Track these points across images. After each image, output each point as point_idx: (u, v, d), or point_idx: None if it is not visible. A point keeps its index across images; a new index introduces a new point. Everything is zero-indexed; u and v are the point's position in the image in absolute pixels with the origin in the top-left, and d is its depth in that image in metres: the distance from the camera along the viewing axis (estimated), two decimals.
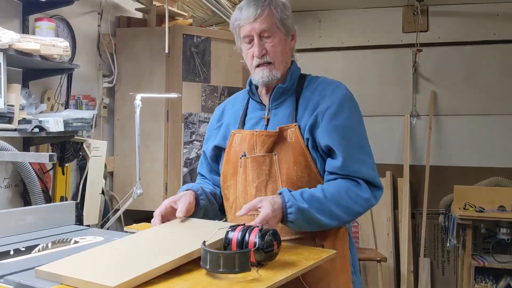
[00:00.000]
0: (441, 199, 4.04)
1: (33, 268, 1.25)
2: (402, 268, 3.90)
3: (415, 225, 4.16)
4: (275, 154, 1.53)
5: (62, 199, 2.59)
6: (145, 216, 2.95)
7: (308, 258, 1.37)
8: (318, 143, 1.51)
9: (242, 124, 1.65)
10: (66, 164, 2.48)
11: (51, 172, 2.56)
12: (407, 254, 3.91)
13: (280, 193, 1.43)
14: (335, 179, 1.50)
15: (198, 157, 3.18)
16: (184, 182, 3.11)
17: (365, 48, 4.39)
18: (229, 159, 1.62)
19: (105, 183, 2.90)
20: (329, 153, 1.52)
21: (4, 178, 2.28)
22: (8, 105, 1.90)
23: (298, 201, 1.41)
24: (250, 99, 1.68)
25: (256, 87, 1.65)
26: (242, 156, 1.57)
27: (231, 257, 1.15)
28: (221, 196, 1.71)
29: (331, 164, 1.50)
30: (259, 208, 1.39)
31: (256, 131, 1.56)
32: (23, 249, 1.40)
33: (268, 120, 1.60)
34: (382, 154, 4.11)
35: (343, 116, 1.51)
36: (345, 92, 1.56)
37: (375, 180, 1.51)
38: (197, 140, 3.16)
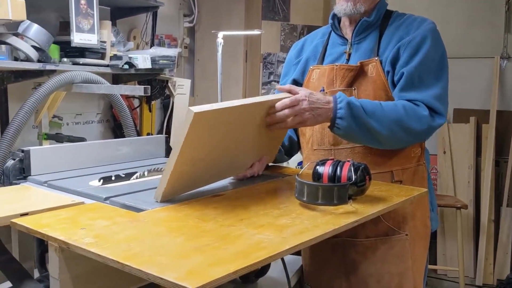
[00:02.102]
0: None
1: (134, 192, 1.33)
2: (483, 217, 3.76)
3: (498, 174, 3.96)
4: (354, 89, 1.51)
5: (148, 135, 2.71)
6: None
7: (399, 194, 1.35)
8: (396, 74, 1.47)
9: (322, 60, 1.63)
10: (152, 102, 2.57)
11: (137, 110, 2.67)
12: (489, 203, 3.76)
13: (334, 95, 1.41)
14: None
15: None
16: None
17: None
18: None
19: None
20: None
21: (97, 113, 2.42)
22: (100, 41, 1.97)
23: (351, 99, 1.38)
24: (331, 35, 1.65)
25: (339, 22, 1.61)
26: (321, 91, 1.55)
27: (330, 189, 1.16)
28: (289, 139, 1.71)
29: (395, 91, 1.47)
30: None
31: (337, 65, 1.54)
32: (123, 175, 1.49)
33: (349, 55, 1.57)
34: (466, 98, 3.90)
35: (425, 47, 1.46)
36: (431, 26, 1.51)
37: (437, 107, 1.43)
38: (275, 81, 3.15)
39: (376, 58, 1.50)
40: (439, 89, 1.46)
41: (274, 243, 0.94)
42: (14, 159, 1.50)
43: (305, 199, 1.18)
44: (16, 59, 1.67)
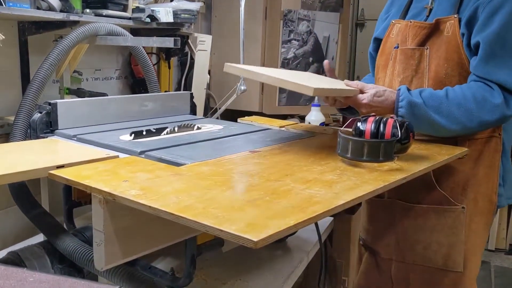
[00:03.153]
0: None
1: (168, 147, 1.29)
2: None
3: None
4: (427, 49, 1.42)
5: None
6: (241, 116, 2.98)
7: (440, 153, 1.31)
8: (472, 41, 1.34)
9: (405, 14, 1.54)
10: (172, 58, 2.50)
11: (155, 67, 2.60)
12: None
13: (398, 89, 1.35)
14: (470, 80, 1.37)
15: (295, 57, 3.10)
16: None
17: None
18: (384, 50, 1.55)
19: (209, 78, 2.91)
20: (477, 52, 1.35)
21: (115, 70, 2.35)
22: None
23: (413, 96, 1.32)
24: None
25: None
26: (395, 47, 1.49)
27: (376, 145, 1.12)
28: None
29: (473, 60, 1.36)
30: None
31: (410, 22, 1.46)
32: (154, 130, 1.45)
33: (430, 10, 1.47)
34: None
35: (506, 10, 1.29)
36: None
37: None
38: (295, 39, 3.06)
39: (456, 16, 1.37)
40: None
41: (327, 198, 0.90)
42: (40, 112, 1.46)
43: (349, 155, 1.15)
44: (38, 8, 1.60)
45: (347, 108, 1.55)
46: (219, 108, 2.75)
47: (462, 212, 1.43)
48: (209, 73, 3.23)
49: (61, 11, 1.67)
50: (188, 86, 2.72)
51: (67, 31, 1.72)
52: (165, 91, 2.65)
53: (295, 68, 3.11)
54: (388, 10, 1.65)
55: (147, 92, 2.04)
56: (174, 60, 2.78)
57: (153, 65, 2.54)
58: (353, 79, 1.55)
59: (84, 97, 1.95)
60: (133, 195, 0.88)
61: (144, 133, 1.42)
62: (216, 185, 0.96)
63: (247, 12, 2.97)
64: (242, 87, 2.42)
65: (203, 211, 0.81)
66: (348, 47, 4.32)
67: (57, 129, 1.47)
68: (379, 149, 1.12)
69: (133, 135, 1.38)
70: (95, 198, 0.94)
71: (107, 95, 1.98)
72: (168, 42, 1.59)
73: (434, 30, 1.40)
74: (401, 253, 1.50)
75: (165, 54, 2.46)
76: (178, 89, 2.80)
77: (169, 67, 2.54)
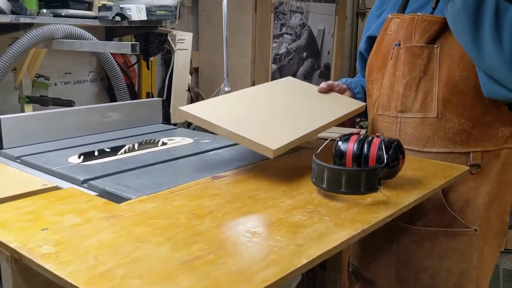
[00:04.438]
0: None
1: (119, 172, 1.12)
2: None
3: None
4: (437, 47, 1.21)
5: (148, 95, 2.48)
6: None
7: (436, 175, 1.12)
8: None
9: (404, 8, 1.33)
10: (151, 58, 2.31)
11: (136, 67, 2.42)
12: None
13: None
14: None
15: (288, 52, 2.90)
16: (273, 79, 2.87)
17: None
18: (380, 48, 1.34)
19: (191, 79, 2.73)
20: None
21: (89, 72, 2.18)
22: None
23: None
24: None
25: None
26: (396, 45, 1.28)
27: (356, 175, 0.92)
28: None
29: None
30: None
31: (418, 15, 1.24)
32: (108, 150, 1.28)
33: (437, 2, 1.25)
34: None
35: None
36: None
37: None
38: (287, 33, 2.86)
39: None
40: None
41: (286, 254, 0.72)
42: None
43: (324, 186, 0.96)
44: None
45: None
46: None
47: (474, 235, 1.25)
48: (196, 70, 3.05)
49: (12, 12, 1.49)
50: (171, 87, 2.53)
51: (21, 34, 1.54)
52: (147, 93, 2.48)
53: (288, 64, 2.91)
54: (382, 5, 1.44)
55: None
56: (157, 59, 2.60)
57: (131, 65, 2.37)
58: (354, 74, 1.37)
59: (47, 105, 1.78)
60: (43, 254, 0.71)
61: (96, 154, 1.24)
62: (153, 235, 0.78)
63: (236, 5, 2.77)
64: (226, 89, 2.24)
65: (121, 283, 0.63)
66: (348, 39, 4.10)
67: (2, 148, 1.30)
68: (360, 179, 0.93)
69: (82, 157, 1.20)
70: (2, 255, 0.76)
71: (74, 103, 1.81)
72: (125, 48, 1.41)
73: (446, 25, 1.19)
74: (403, 284, 1.31)
75: (143, 54, 2.27)
76: (162, 89, 2.62)
77: (148, 68, 2.35)
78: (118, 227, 0.81)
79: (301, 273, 0.70)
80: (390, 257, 1.33)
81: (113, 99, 2.19)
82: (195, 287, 0.63)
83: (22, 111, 1.74)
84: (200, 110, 1.16)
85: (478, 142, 1.23)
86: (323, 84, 1.43)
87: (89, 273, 0.65)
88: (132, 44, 1.36)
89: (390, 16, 1.34)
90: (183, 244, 0.75)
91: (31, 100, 1.74)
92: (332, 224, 0.83)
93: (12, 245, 0.74)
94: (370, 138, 1.04)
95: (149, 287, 0.62)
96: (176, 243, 0.76)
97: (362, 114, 1.47)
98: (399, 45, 1.28)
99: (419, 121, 1.25)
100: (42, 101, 1.76)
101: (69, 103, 1.79)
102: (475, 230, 1.25)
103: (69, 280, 0.64)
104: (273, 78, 2.87)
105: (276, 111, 1.26)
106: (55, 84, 1.98)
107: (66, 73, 2.03)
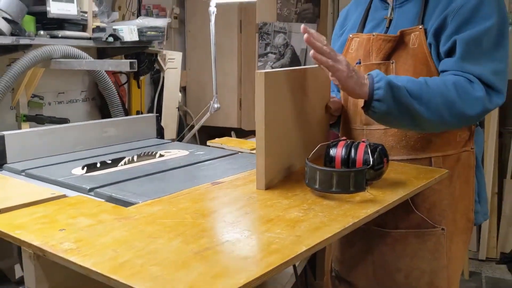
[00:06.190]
0: None
1: (122, 181, 1.18)
2: (486, 190, 3.67)
3: (502, 145, 3.85)
4: (392, 63, 1.31)
5: (138, 113, 2.54)
6: (219, 133, 2.88)
7: (418, 177, 1.21)
8: (444, 44, 1.25)
9: (362, 27, 1.43)
10: (141, 77, 2.39)
11: (125, 86, 2.49)
12: (492, 175, 3.66)
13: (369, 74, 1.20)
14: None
15: None
16: None
17: None
18: None
19: (181, 96, 2.81)
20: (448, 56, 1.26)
21: (81, 91, 2.24)
22: (81, 11, 1.78)
23: (390, 78, 1.17)
24: None
25: None
26: (357, 63, 1.37)
27: (345, 175, 1.01)
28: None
29: (445, 62, 1.25)
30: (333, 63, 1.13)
31: (373, 35, 1.34)
32: (109, 161, 1.34)
33: (390, 21, 1.36)
34: None
35: (480, 17, 1.21)
36: None
37: (497, 84, 1.21)
38: (272, 53, 2.97)
39: (420, 27, 1.27)
40: (498, 62, 1.22)
41: (287, 243, 0.80)
42: None
43: (317, 186, 1.04)
44: None
45: (335, 123, 1.47)
46: (195, 125, 2.65)
47: (442, 234, 1.33)
48: (184, 89, 3.13)
49: (11, 34, 1.56)
50: (161, 105, 2.61)
51: (21, 54, 1.61)
52: (137, 111, 2.54)
53: None
54: (343, 25, 1.54)
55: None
56: (146, 78, 2.68)
57: (122, 84, 2.44)
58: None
59: (43, 124, 1.84)
60: (65, 249, 0.77)
61: (98, 165, 1.30)
62: (163, 232, 0.85)
63: (222, 26, 2.88)
64: (216, 105, 2.32)
65: (141, 270, 0.70)
66: None
67: (6, 163, 1.36)
68: (349, 179, 1.02)
69: (85, 168, 1.27)
70: (25, 253, 0.82)
71: (69, 120, 1.87)
72: (124, 66, 1.49)
73: (399, 42, 1.30)
74: (380, 284, 1.39)
75: (134, 73, 2.35)
76: (151, 107, 2.69)
77: (139, 87, 2.43)
78: (130, 226, 0.88)
79: (301, 259, 0.78)
80: (367, 260, 1.40)
81: (104, 117, 2.26)
82: (208, 272, 0.70)
83: (19, 129, 1.79)
84: None
85: (438, 147, 1.32)
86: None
87: (110, 263, 0.72)
88: (130, 62, 1.43)
89: (350, 36, 1.43)
90: (192, 239, 0.82)
91: (28, 118, 1.79)
92: (326, 219, 0.91)
93: (35, 243, 0.80)
94: (356, 143, 1.13)
95: (167, 273, 0.69)
96: (186, 238, 0.83)
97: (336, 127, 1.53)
98: (360, 63, 1.37)
99: (382, 132, 1.34)
100: (38, 120, 1.81)
101: (64, 121, 1.85)
102: (442, 229, 1.32)
103: (94, 269, 0.70)
104: None
105: None
106: (49, 104, 2.04)
107: (59, 93, 2.09)
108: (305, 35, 1.10)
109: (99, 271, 0.70)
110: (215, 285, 0.65)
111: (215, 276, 0.68)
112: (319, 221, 0.91)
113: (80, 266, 0.72)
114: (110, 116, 2.04)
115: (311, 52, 1.13)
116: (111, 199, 1.06)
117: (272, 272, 0.71)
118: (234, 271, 0.70)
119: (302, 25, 1.13)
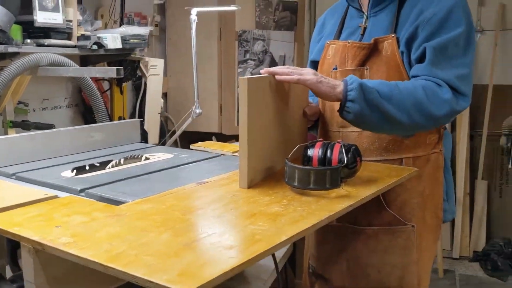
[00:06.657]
0: (503, 121, 3.84)
1: (111, 182, 1.24)
2: (458, 190, 3.80)
3: (473, 148, 4.00)
4: (367, 69, 1.39)
5: (120, 119, 2.59)
6: (200, 138, 2.93)
7: (389, 175, 1.30)
8: (415, 52, 1.34)
9: (339, 34, 1.51)
10: (123, 84, 2.45)
11: (108, 93, 2.54)
12: (464, 176, 3.80)
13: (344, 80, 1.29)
14: None
15: None
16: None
17: None
18: (321, 71, 1.50)
19: (163, 102, 2.87)
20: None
21: (65, 98, 2.29)
22: (66, 20, 1.83)
23: (363, 81, 1.26)
24: (350, 6, 1.52)
25: None
26: (333, 69, 1.46)
27: (322, 173, 1.09)
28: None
29: (415, 68, 1.34)
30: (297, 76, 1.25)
31: (349, 42, 1.43)
32: (98, 164, 1.40)
33: (364, 29, 1.44)
34: None
35: (448, 27, 1.30)
36: None
37: (462, 88, 1.30)
38: (251, 59, 3.05)
39: (393, 35, 1.36)
40: (464, 68, 1.32)
41: (269, 234, 0.87)
42: None
43: (296, 184, 1.12)
44: None
45: (313, 126, 1.55)
46: (177, 131, 2.71)
47: (412, 231, 1.41)
48: (165, 95, 3.19)
49: (0, 43, 1.61)
50: (143, 111, 2.66)
51: (8, 62, 1.65)
52: (119, 117, 2.59)
53: None
54: (320, 32, 1.62)
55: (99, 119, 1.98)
56: (128, 85, 2.73)
57: (105, 91, 2.49)
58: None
59: (29, 129, 1.88)
60: (63, 243, 0.83)
61: (87, 168, 1.36)
62: (154, 227, 0.91)
63: (202, 33, 2.95)
64: (198, 110, 2.38)
65: (135, 259, 0.76)
66: (307, 63, 4.34)
67: None
68: (325, 177, 1.10)
69: (75, 171, 1.32)
70: (25, 248, 0.88)
71: (54, 126, 1.91)
72: (110, 72, 1.55)
73: (373, 50, 1.39)
74: (354, 279, 1.47)
75: (116, 79, 2.40)
76: (133, 113, 2.75)
77: (121, 93, 2.48)
78: (123, 222, 0.94)
79: (283, 247, 0.85)
80: (342, 256, 1.47)
81: (87, 123, 2.30)
82: (198, 260, 0.77)
83: (6, 135, 1.83)
84: None
85: (409, 149, 1.40)
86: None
87: (107, 254, 0.78)
88: (117, 69, 1.49)
89: (328, 42, 1.51)
90: (181, 232, 0.89)
91: (14, 124, 1.83)
92: (305, 213, 0.99)
93: (34, 238, 0.86)
94: (332, 144, 1.21)
95: (160, 261, 0.76)
96: (176, 231, 0.89)
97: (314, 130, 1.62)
98: (336, 68, 1.46)
99: (357, 134, 1.43)
100: (24, 126, 1.86)
101: (50, 127, 1.89)
102: (413, 226, 1.40)
103: (92, 259, 0.76)
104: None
105: None
106: (34, 110, 2.08)
107: (44, 100, 2.13)
108: (276, 77, 1.25)
109: (97, 260, 0.76)
110: (204, 270, 0.72)
111: (204, 263, 0.75)
112: (298, 214, 0.98)
113: (79, 257, 0.78)
114: (93, 122, 2.10)
115: (277, 77, 1.26)
116: (102, 199, 1.12)
117: (256, 258, 0.78)
118: (221, 258, 0.77)
119: (263, 69, 1.28)
